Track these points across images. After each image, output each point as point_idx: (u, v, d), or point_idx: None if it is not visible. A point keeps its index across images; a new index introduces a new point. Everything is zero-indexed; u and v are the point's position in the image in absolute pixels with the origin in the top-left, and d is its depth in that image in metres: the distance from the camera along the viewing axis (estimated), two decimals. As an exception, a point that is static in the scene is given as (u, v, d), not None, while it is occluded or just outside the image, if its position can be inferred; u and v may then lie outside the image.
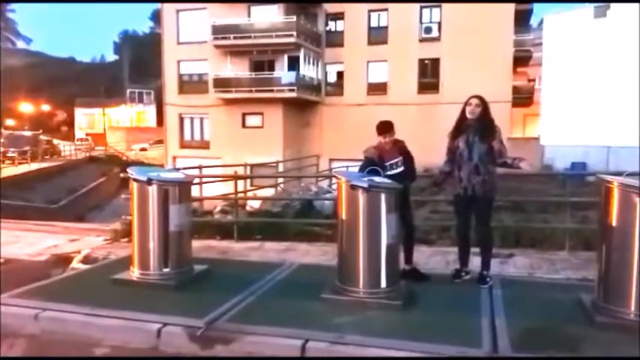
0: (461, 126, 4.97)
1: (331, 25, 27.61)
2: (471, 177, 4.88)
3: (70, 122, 59.96)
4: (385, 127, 5.09)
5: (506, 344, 3.59)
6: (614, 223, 3.95)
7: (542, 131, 24.05)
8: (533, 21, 31.85)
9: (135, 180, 4.99)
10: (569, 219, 7.17)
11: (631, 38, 19.73)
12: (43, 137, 37.64)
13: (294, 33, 24.61)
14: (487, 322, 3.99)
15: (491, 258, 5.16)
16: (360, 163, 5.16)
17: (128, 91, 60.09)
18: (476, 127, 4.88)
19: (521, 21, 26.48)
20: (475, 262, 5.18)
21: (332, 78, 28.07)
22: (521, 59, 26.80)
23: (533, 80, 29.64)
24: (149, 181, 4.90)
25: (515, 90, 25.84)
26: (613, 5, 20.96)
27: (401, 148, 5.13)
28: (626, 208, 3.86)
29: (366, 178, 4.49)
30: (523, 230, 8.01)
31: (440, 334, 3.78)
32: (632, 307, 3.83)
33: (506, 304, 4.39)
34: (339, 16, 27.10)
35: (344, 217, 4.52)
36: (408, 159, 5.14)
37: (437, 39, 25.56)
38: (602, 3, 21.05)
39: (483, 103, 4.90)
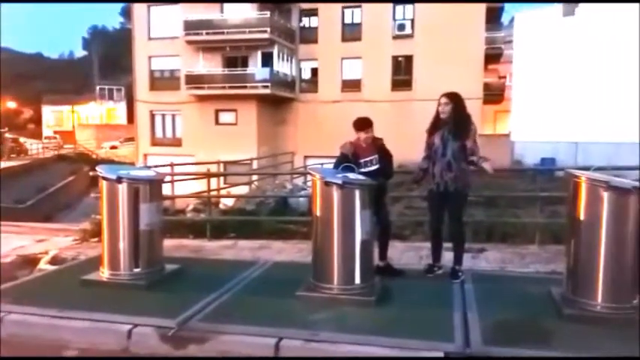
0: (437, 123, 5.02)
1: (305, 22, 27.54)
2: (443, 173, 4.93)
3: (38, 120, 58.42)
4: (361, 124, 5.09)
5: (478, 338, 3.63)
6: (582, 217, 4.03)
7: (512, 127, 24.50)
8: (505, 19, 32.39)
9: (104, 178, 4.88)
10: (539, 214, 7.31)
11: (599, 36, 20.24)
12: (8, 135, 36.65)
13: (268, 29, 24.46)
14: (459, 317, 4.03)
15: (464, 253, 5.22)
16: (334, 161, 5.15)
17: (98, 87, 58.85)
18: (450, 125, 4.92)
19: (493, 19, 26.87)
20: (448, 257, 5.24)
21: (306, 75, 28.01)
22: (493, 56, 27.18)
23: (504, 77, 30.12)
24: (119, 180, 4.80)
25: (487, 87, 26.22)
26: (581, 4, 21.44)
27: (379, 147, 5.13)
28: (593, 203, 3.95)
29: (340, 175, 4.48)
30: (495, 225, 8.14)
31: (413, 329, 3.81)
32: (599, 300, 3.92)
33: (478, 298, 4.45)
34: (313, 13, 27.04)
35: (318, 213, 4.50)
36: (385, 157, 5.14)
37: (410, 36, 25.73)
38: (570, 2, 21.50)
39: (453, 101, 4.94)
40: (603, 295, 3.90)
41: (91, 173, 8.09)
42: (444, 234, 5.23)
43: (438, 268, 5.21)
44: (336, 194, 4.37)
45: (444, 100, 4.95)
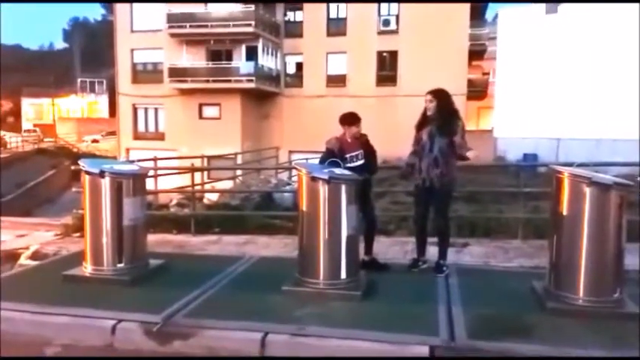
0: (424, 119, 5.05)
1: (290, 16, 27.41)
2: (429, 169, 4.97)
3: (17, 113, 57.27)
4: (351, 119, 5.12)
5: (463, 331, 3.67)
6: (564, 212, 4.09)
7: (495, 124, 24.72)
8: (488, 15, 32.62)
9: (87, 172, 4.82)
10: (522, 209, 7.40)
11: (581, 34, 20.50)
12: (-14, 128, 35.86)
13: (253, 22, 24.29)
14: (444, 311, 4.07)
15: (448, 248, 5.26)
16: (319, 156, 5.16)
17: (79, 80, 57.91)
18: (436, 121, 4.95)
19: (477, 15, 27.05)
20: (432, 251, 5.28)
21: (291, 69, 27.90)
22: (476, 53, 27.39)
23: (488, 74, 30.38)
24: (102, 174, 4.74)
25: (470, 83, 26.41)
26: (563, 2, 21.70)
27: (364, 142, 5.15)
28: (576, 198, 4.01)
29: (326, 170, 4.49)
30: (478, 220, 8.22)
31: (399, 323, 3.84)
32: (581, 293, 3.98)
33: (462, 292, 4.50)
34: (298, 7, 26.92)
35: (304, 208, 4.50)
36: (369, 153, 5.17)
37: (395, 32, 25.78)
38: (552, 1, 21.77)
39: (437, 98, 4.97)
40: (585, 289, 3.97)
41: (72, 167, 7.95)
42: (429, 229, 5.27)
43: (422, 263, 5.25)
44: (322, 189, 4.37)
45: (428, 97, 5.00)
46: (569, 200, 4.05)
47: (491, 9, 45.11)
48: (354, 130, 5.07)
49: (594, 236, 3.95)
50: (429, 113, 4.99)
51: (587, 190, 3.93)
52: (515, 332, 3.66)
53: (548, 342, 3.50)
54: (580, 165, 4.32)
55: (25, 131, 48.52)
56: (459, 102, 27.43)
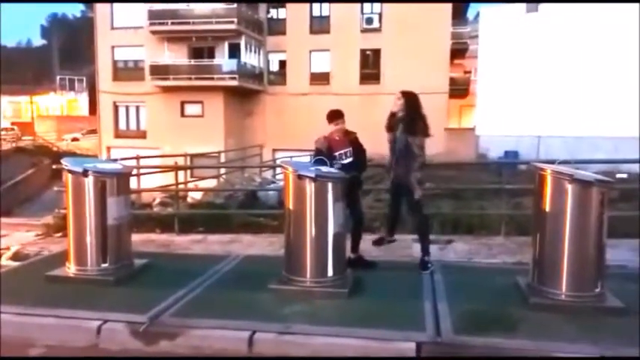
0: (392, 119, 5.19)
1: (273, 13, 27.31)
2: (396, 168, 5.15)
3: (-6, 110, 56.16)
4: (333, 115, 5.17)
5: (449, 327, 3.72)
6: (547, 209, 4.16)
7: (477, 122, 24.96)
8: (470, 14, 32.94)
9: (70, 171, 4.76)
10: (504, 205, 7.50)
11: (560, 32, 20.80)
12: (-37, 126, 35.06)
13: (235, 20, 24.15)
14: (430, 307, 4.11)
15: (430, 244, 5.33)
16: (303, 154, 5.22)
17: (58, 77, 56.92)
18: (402, 121, 5.07)
19: (459, 14, 27.29)
20: (416, 248, 5.33)
21: (274, 67, 27.81)
22: (458, 51, 27.63)
23: (469, 72, 30.65)
24: (85, 173, 4.68)
25: (452, 81, 26.63)
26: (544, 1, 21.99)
27: (352, 140, 5.20)
28: (558, 195, 4.08)
29: (313, 168, 4.50)
30: (461, 217, 8.30)
31: (386, 319, 3.87)
32: (564, 289, 4.06)
33: (447, 288, 4.55)
34: (281, 4, 26.84)
35: (291, 207, 4.50)
36: (359, 151, 5.21)
37: (378, 30, 25.86)
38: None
39: (406, 98, 5.10)
40: (567, 285, 4.04)
41: (54, 166, 7.84)
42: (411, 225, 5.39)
43: (388, 242, 5.48)
44: (308, 187, 4.38)
45: (397, 94, 5.18)
46: (552, 197, 4.12)
47: (473, 8, 45.55)
48: (335, 127, 5.10)
49: (576, 232, 4.02)
50: (394, 109, 5.13)
51: (569, 187, 4.00)
52: (500, 327, 3.72)
53: (532, 336, 3.57)
54: (562, 162, 4.39)
55: (2, 129, 47.52)
56: (442, 100, 27.81)
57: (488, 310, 4.05)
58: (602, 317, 3.86)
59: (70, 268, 4.82)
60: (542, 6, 22.01)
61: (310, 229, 4.40)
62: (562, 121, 20.27)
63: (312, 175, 4.35)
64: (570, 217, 4.02)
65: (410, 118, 5.03)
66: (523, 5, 22.64)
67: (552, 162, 4.44)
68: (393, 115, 5.17)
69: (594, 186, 4.01)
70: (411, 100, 5.10)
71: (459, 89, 28.11)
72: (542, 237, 4.23)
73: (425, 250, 5.20)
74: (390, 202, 5.57)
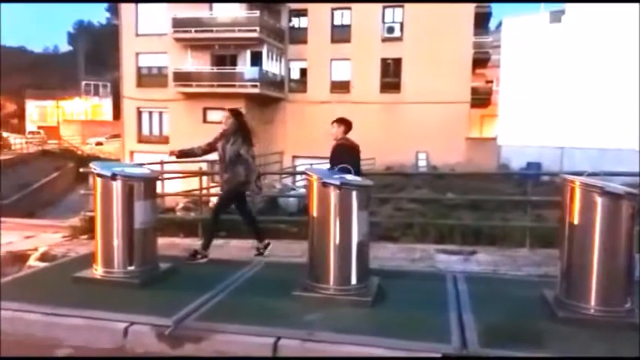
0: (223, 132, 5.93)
1: (295, 22, 27.55)
2: (223, 175, 5.85)
3: (21, 114, 57.38)
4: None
5: (475, 339, 3.67)
6: (575, 221, 4.09)
7: (499, 132, 24.75)
8: (492, 24, 32.74)
9: (98, 175, 4.83)
10: (528, 217, 7.41)
11: (585, 43, 20.56)
12: (-9, 130, 35.94)
13: (257, 28, 24.42)
14: (455, 318, 4.06)
15: (210, 241, 5.83)
16: (322, 161, 5.39)
17: (83, 83, 58.09)
18: (231, 135, 5.81)
19: (481, 23, 27.19)
20: (439, 258, 5.27)
21: (295, 75, 28.01)
22: (480, 61, 27.50)
23: (491, 82, 30.47)
24: (113, 177, 4.76)
25: (474, 91, 26.51)
26: (567, 12, 21.77)
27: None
28: (587, 207, 4.01)
29: (337, 176, 4.50)
30: (482, 228, 8.22)
31: (410, 330, 3.83)
32: (593, 303, 3.98)
33: (472, 300, 4.49)
34: (302, 13, 27.07)
35: (315, 214, 4.51)
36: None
37: (399, 39, 25.89)
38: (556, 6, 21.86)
39: (234, 115, 5.86)
40: (597, 299, 3.97)
41: (81, 169, 7.99)
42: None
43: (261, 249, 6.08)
44: (333, 195, 4.38)
45: (226, 114, 5.92)
46: (581, 209, 4.06)
47: (495, 17, 45.28)
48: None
49: (606, 246, 3.95)
50: (224, 127, 5.85)
51: (599, 200, 3.94)
52: (528, 340, 3.66)
53: (561, 351, 3.51)
54: (590, 174, 4.33)
55: (29, 133, 48.63)
56: (463, 110, 27.69)
57: (515, 322, 3.99)
58: (632, 333, 3.77)
59: (97, 270, 4.88)
60: (565, 16, 21.80)
61: (334, 237, 4.40)
62: (586, 132, 19.98)
63: (337, 182, 4.36)
64: (600, 230, 3.95)
65: (240, 133, 5.77)
66: (546, 15, 22.47)
67: (580, 174, 4.38)
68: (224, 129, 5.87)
69: (624, 199, 3.94)
70: (238, 117, 5.88)
71: (481, 99, 27.96)
72: (570, 250, 4.16)
73: (204, 246, 5.78)
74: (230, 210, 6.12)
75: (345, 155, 5.30)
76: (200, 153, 6.10)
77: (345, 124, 5.76)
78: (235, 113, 5.94)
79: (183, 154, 5.97)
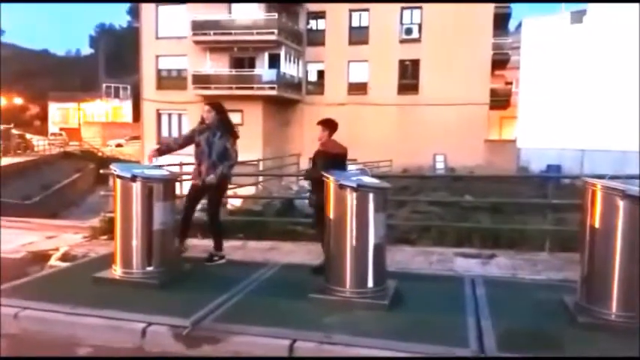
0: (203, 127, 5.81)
1: (312, 24, 27.63)
2: (208, 171, 5.67)
3: (44, 116, 58.56)
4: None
5: (493, 344, 3.63)
6: (597, 225, 4.03)
7: (518, 134, 24.46)
8: (512, 24, 32.40)
9: (118, 177, 4.90)
10: (548, 221, 7.30)
11: (606, 44, 20.23)
12: (15, 131, 36.66)
13: (276, 30, 24.53)
14: (473, 322, 4.03)
15: (222, 241, 5.91)
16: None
17: (104, 85, 59.03)
18: (213, 129, 5.72)
19: (500, 24, 26.90)
20: (458, 262, 5.21)
21: (313, 77, 28.07)
22: (499, 62, 27.22)
23: (511, 83, 30.14)
24: (133, 178, 4.82)
25: (493, 93, 26.24)
26: (589, 12, 21.44)
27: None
28: (609, 211, 3.95)
29: (354, 178, 4.50)
30: (501, 231, 8.12)
31: (427, 333, 3.81)
32: (614, 308, 3.91)
33: (490, 303, 4.44)
34: (320, 15, 27.13)
35: (331, 216, 4.51)
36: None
37: (417, 40, 25.78)
38: (578, 6, 21.54)
39: (215, 110, 5.80)
40: (618, 304, 3.90)
41: (101, 171, 8.09)
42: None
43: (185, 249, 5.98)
44: (349, 197, 4.38)
45: (206, 108, 5.84)
46: (602, 213, 3.99)
47: (515, 18, 44.80)
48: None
49: (628, 250, 3.88)
50: (207, 122, 5.73)
51: (621, 203, 3.87)
52: (547, 345, 3.62)
53: (580, 356, 3.45)
54: (612, 177, 4.26)
55: (51, 134, 49.52)
56: (482, 111, 27.40)
57: (533, 327, 3.94)
58: (655, 340, 3.70)
59: (116, 271, 4.95)
60: (586, 17, 21.47)
61: (351, 239, 4.40)
62: (607, 134, 19.63)
63: (354, 185, 4.35)
64: (621, 234, 3.89)
65: (223, 128, 5.73)
66: (567, 16, 22.16)
67: (602, 177, 4.31)
68: (202, 123, 5.80)
69: (647, 202, 3.86)
70: (220, 111, 5.81)
71: (500, 100, 27.66)
72: (591, 254, 4.10)
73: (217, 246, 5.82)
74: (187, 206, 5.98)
75: (329, 164, 5.01)
76: (177, 147, 5.99)
77: (330, 127, 5.55)
78: (217, 106, 5.89)
79: (163, 153, 5.85)
